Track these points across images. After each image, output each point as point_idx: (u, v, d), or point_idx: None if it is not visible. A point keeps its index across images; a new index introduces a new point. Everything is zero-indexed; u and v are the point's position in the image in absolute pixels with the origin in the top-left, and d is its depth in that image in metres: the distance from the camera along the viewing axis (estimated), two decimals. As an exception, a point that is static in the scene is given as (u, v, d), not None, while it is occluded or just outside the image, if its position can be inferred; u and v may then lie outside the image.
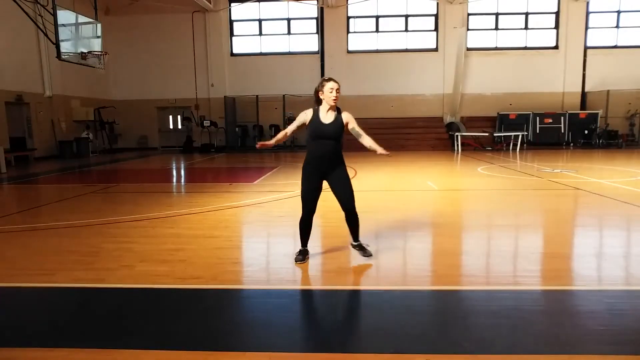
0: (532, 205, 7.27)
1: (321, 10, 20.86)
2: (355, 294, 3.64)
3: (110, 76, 21.17)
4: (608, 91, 20.11)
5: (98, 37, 14.44)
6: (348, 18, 21.11)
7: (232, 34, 21.60)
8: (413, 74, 21.04)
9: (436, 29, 20.94)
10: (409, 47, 21.14)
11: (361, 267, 4.23)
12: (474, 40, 21.01)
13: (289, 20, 21.30)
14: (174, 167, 14.40)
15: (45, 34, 12.85)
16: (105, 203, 7.95)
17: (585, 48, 20.60)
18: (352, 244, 4.42)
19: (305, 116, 4.02)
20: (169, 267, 4.17)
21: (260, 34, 21.51)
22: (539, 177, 10.13)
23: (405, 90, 21.20)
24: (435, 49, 21.06)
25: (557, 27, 20.66)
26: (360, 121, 4.28)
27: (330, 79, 3.98)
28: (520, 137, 18.29)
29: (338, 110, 4.05)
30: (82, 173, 12.91)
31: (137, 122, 22.02)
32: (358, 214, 4.21)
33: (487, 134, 19.18)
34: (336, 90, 3.93)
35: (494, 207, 7.18)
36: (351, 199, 4.12)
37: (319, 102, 4.03)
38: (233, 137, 21.27)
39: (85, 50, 13.56)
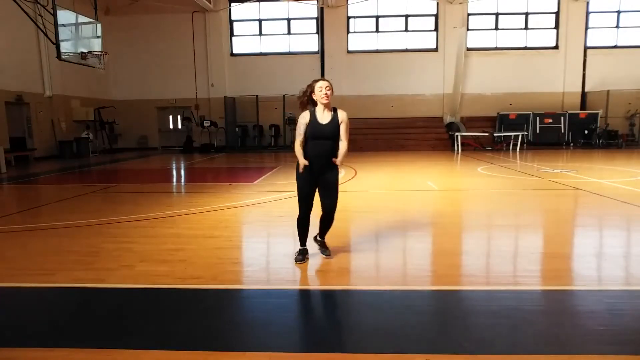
0: (532, 205, 7.27)
1: (321, 10, 20.86)
2: (355, 294, 3.63)
3: (110, 76, 21.17)
4: (608, 91, 20.11)
5: (98, 37, 14.44)
6: (348, 18, 21.10)
7: (232, 34, 21.60)
8: (413, 74, 21.04)
9: (436, 29, 20.94)
10: (409, 47, 21.14)
11: (361, 267, 4.23)
12: (474, 40, 21.01)
13: (289, 20, 21.30)
14: (174, 167, 14.40)
15: (45, 34, 12.85)
16: (105, 203, 7.95)
17: (585, 48, 20.59)
18: (316, 238, 4.45)
19: (304, 119, 4.00)
20: (169, 267, 4.17)
21: (260, 34, 21.51)
22: (539, 177, 10.13)
23: (405, 90, 21.20)
24: (435, 49, 21.06)
25: (557, 27, 20.65)
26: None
27: (319, 79, 4.00)
28: (520, 137, 18.29)
29: (334, 109, 4.03)
30: (82, 173, 12.91)
31: (137, 122, 22.02)
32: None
33: (487, 134, 19.18)
34: (326, 87, 3.92)
35: (494, 207, 7.18)
36: (334, 205, 4.14)
37: (314, 103, 4.01)
38: (233, 137, 21.27)
39: (85, 50, 13.56)
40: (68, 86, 18.29)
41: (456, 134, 18.63)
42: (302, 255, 4.25)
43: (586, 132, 19.76)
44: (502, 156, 15.85)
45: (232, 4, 21.22)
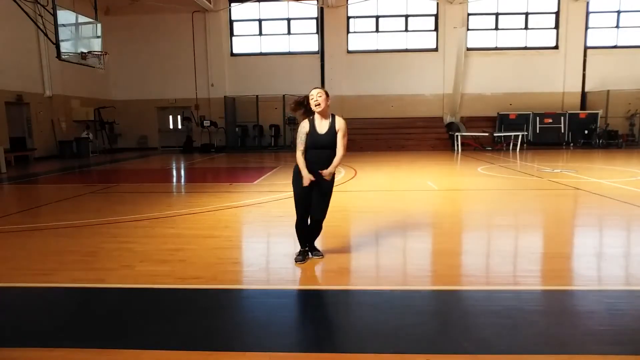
0: (532, 205, 7.27)
1: (321, 10, 20.86)
2: (355, 294, 3.63)
3: (110, 76, 21.17)
4: (608, 91, 20.11)
5: (98, 37, 14.43)
6: (348, 18, 21.10)
7: (232, 34, 21.60)
8: (413, 74, 21.04)
9: (436, 29, 20.94)
10: (409, 47, 21.14)
11: (361, 267, 4.23)
12: (474, 40, 21.01)
13: (289, 20, 21.30)
14: (174, 167, 14.40)
15: (45, 34, 12.85)
16: (105, 203, 7.94)
17: (585, 48, 20.59)
18: (305, 249, 4.34)
19: (305, 128, 3.98)
20: (169, 267, 4.17)
21: (260, 34, 21.51)
22: (539, 177, 10.13)
23: (405, 90, 21.20)
24: (435, 49, 21.06)
25: (557, 27, 20.65)
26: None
27: (314, 88, 3.98)
28: (520, 137, 18.29)
29: (333, 117, 4.02)
30: (82, 173, 12.91)
31: (137, 122, 22.02)
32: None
33: (487, 134, 19.18)
34: (317, 94, 3.89)
35: (494, 207, 7.18)
36: (324, 214, 4.14)
37: (311, 112, 3.99)
38: (233, 137, 21.27)
39: (85, 50, 13.56)
40: (68, 86, 18.29)
41: (456, 134, 18.63)
42: (302, 256, 4.25)
43: (586, 132, 19.77)
44: (502, 156, 15.85)
45: (232, 4, 21.22)
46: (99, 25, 14.49)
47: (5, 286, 3.79)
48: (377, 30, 21.26)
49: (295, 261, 4.22)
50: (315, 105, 3.88)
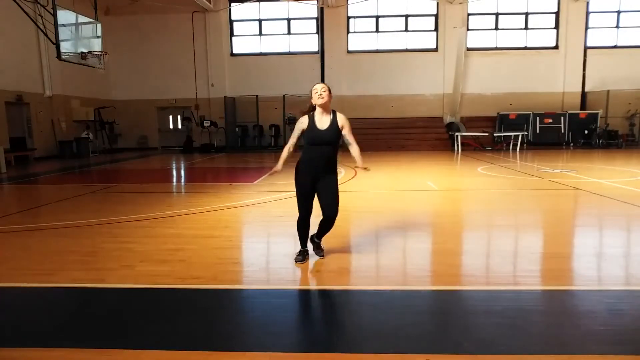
0: (532, 205, 7.27)
1: (321, 10, 20.86)
2: (355, 294, 3.63)
3: (110, 76, 21.17)
4: (608, 91, 20.10)
5: (98, 37, 14.44)
6: (348, 18, 21.10)
7: (232, 34, 21.60)
8: (413, 74, 21.03)
9: (436, 29, 20.94)
10: (409, 47, 21.14)
11: (361, 267, 4.23)
12: (474, 40, 21.00)
13: (289, 20, 21.29)
14: (174, 167, 14.40)
15: (45, 34, 12.85)
16: (105, 203, 7.94)
17: (585, 48, 20.59)
18: (312, 238, 4.39)
19: (302, 124, 3.99)
20: (169, 267, 4.17)
21: (260, 34, 21.51)
22: (539, 177, 10.13)
23: (405, 90, 21.20)
24: (435, 49, 21.06)
25: (557, 27, 20.65)
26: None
27: (316, 83, 4.04)
28: (520, 137, 18.29)
29: (333, 113, 4.03)
30: (82, 173, 12.91)
31: (137, 122, 22.02)
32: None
33: (487, 134, 19.18)
34: (321, 89, 3.92)
35: (494, 207, 7.18)
36: (336, 209, 4.11)
37: (313, 109, 4.02)
38: (233, 137, 21.27)
39: (85, 50, 13.56)
40: (68, 86, 18.29)
41: (456, 134, 18.63)
42: (302, 256, 4.25)
43: (586, 132, 19.77)
44: (502, 156, 15.85)
45: (232, 4, 21.22)
46: (99, 25, 14.49)
47: (5, 286, 3.79)
48: (377, 30, 21.25)
49: (295, 261, 4.22)
50: (318, 98, 3.89)
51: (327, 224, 4.21)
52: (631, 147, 18.80)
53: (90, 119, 19.26)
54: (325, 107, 3.96)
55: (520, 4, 20.61)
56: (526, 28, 20.84)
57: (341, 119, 4.01)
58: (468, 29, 20.75)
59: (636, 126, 20.33)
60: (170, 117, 22.79)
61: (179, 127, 22.41)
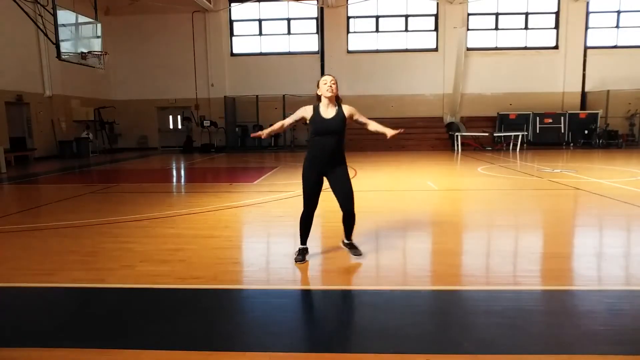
0: (532, 205, 7.27)
1: (321, 10, 20.86)
2: (355, 294, 3.63)
3: (110, 76, 21.17)
4: (608, 91, 20.10)
5: (98, 37, 14.45)
6: (348, 18, 21.11)
7: (232, 34, 21.60)
8: (413, 74, 21.03)
9: (436, 29, 20.94)
10: (409, 47, 21.14)
11: (361, 267, 4.22)
12: (474, 40, 21.01)
13: (289, 20, 21.30)
14: (174, 167, 14.40)
15: (45, 34, 12.86)
16: (105, 203, 7.94)
17: (585, 48, 20.59)
18: (343, 242, 4.40)
19: (305, 112, 4.01)
20: (169, 267, 4.17)
21: (260, 34, 21.51)
22: (539, 177, 10.13)
23: (405, 90, 21.20)
24: (435, 49, 21.06)
25: (557, 27, 20.65)
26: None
27: (325, 75, 4.10)
28: (520, 137, 18.29)
29: (339, 104, 4.03)
30: (82, 173, 12.91)
31: (137, 122, 22.02)
32: (358, 213, 4.20)
33: (487, 134, 19.18)
34: (330, 81, 3.96)
35: (494, 207, 7.18)
36: (351, 199, 4.06)
37: (319, 100, 4.04)
38: (233, 137, 21.27)
39: (85, 50, 13.57)
40: (68, 86, 18.29)
41: (456, 134, 18.63)
42: (302, 256, 4.23)
43: (586, 132, 19.77)
44: (502, 156, 15.85)
45: (232, 4, 21.23)
46: (98, 25, 14.50)
47: (5, 286, 3.79)
48: (377, 30, 21.26)
49: (295, 261, 4.21)
50: (327, 90, 3.92)
51: (348, 219, 4.16)
52: (631, 147, 18.79)
53: (90, 119, 19.27)
54: (331, 100, 3.98)
55: (520, 4, 20.61)
56: (526, 28, 20.84)
57: (347, 109, 4.04)
58: (468, 29, 20.75)
59: (636, 126, 20.33)
60: (170, 117, 22.79)
61: (179, 127, 22.41)
